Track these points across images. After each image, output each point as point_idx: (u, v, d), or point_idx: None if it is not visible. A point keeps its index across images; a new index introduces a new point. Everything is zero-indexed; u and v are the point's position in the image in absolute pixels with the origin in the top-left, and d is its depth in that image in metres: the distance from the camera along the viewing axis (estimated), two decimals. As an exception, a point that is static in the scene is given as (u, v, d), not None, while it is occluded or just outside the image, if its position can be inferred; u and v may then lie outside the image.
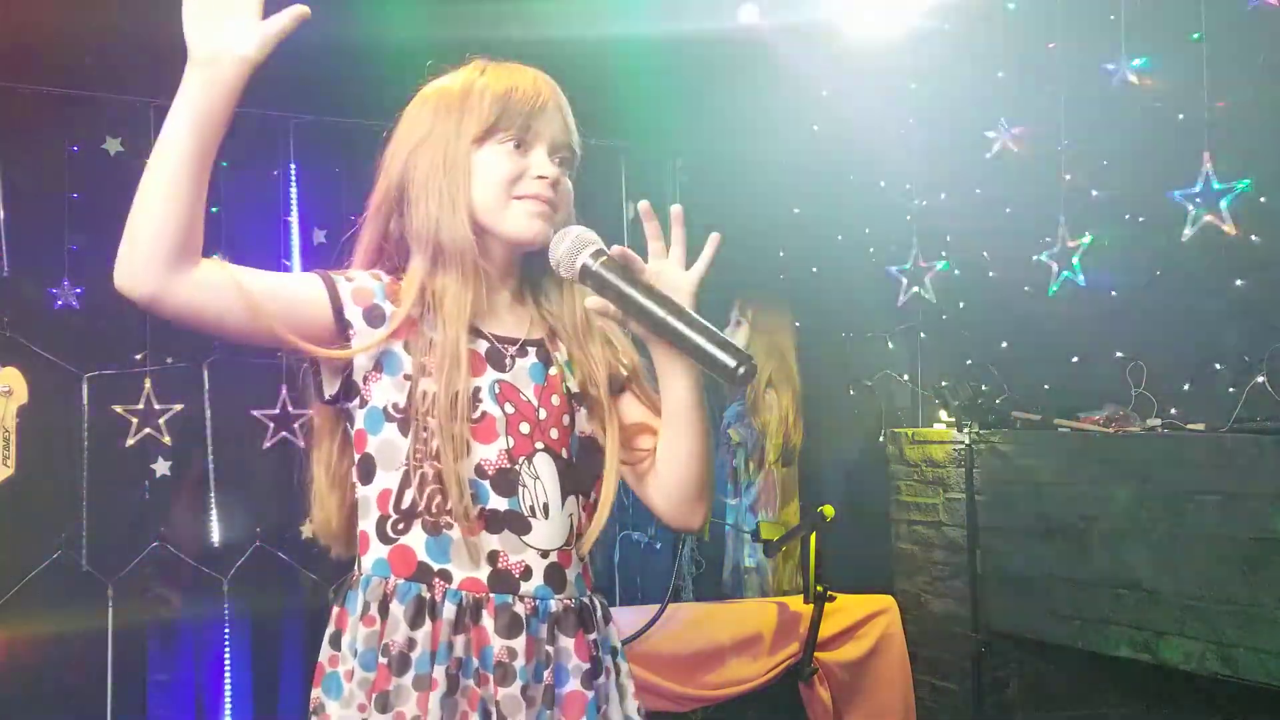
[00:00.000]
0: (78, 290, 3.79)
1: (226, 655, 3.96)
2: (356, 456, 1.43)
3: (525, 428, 1.42)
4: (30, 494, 3.63)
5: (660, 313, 1.32)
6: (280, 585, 4.07)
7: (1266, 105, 2.88)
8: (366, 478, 1.42)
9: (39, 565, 3.70)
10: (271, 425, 4.04)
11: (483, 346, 1.43)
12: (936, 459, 3.60)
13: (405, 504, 1.39)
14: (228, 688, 3.96)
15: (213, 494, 3.97)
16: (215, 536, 3.96)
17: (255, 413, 4.03)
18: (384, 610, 1.37)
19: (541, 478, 1.42)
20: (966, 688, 3.41)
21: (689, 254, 1.42)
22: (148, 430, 3.87)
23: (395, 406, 1.39)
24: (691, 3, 4.01)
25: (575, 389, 1.47)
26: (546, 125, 1.43)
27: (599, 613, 1.48)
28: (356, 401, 1.41)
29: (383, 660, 1.36)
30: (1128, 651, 2.96)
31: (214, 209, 4.01)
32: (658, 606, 3.39)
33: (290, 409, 4.06)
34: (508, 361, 1.44)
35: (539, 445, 1.43)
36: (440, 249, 1.40)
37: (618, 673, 1.49)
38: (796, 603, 3.50)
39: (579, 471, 1.46)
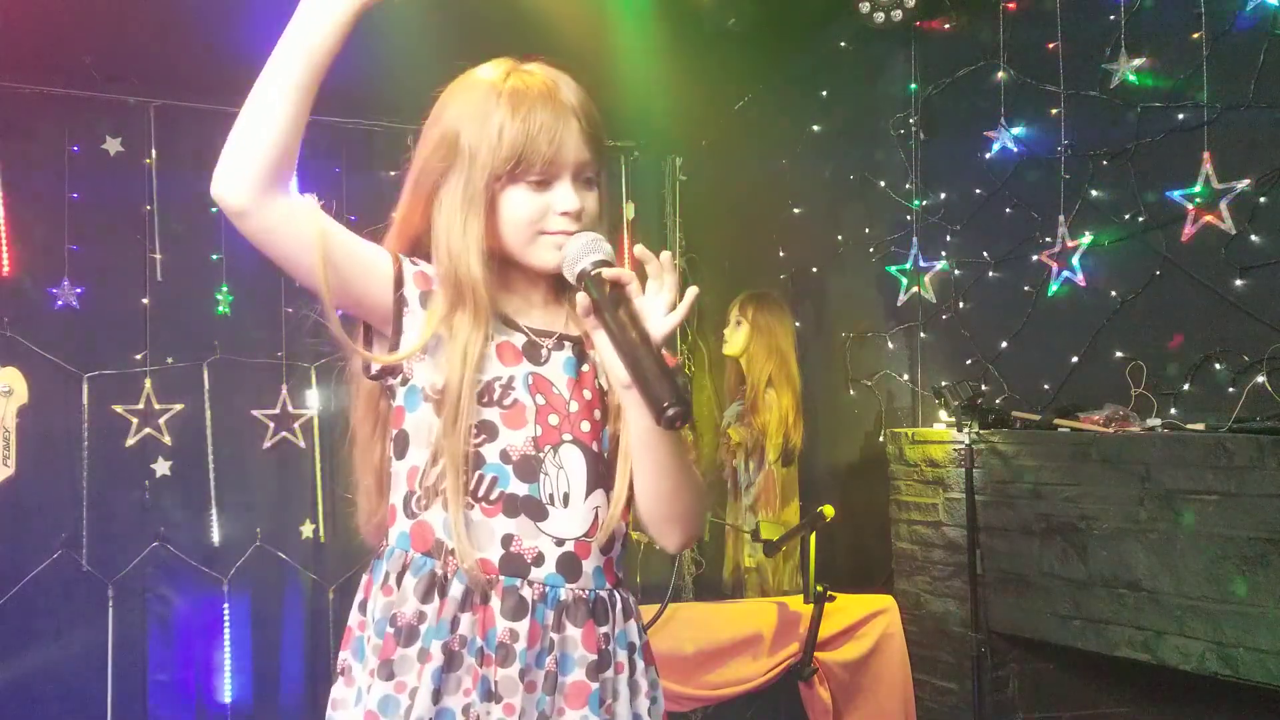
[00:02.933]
0: (78, 290, 3.80)
1: (227, 655, 3.96)
2: (393, 432, 1.47)
3: (554, 419, 1.45)
4: (30, 494, 3.63)
5: (628, 333, 1.34)
6: (280, 585, 4.08)
7: (1266, 105, 2.88)
8: (400, 453, 1.46)
9: (39, 565, 3.70)
10: (271, 425, 4.04)
11: (519, 340, 1.47)
12: (936, 459, 3.60)
13: (429, 481, 1.43)
14: (228, 688, 3.96)
15: (213, 494, 3.97)
16: (215, 536, 3.96)
17: (255, 413, 4.03)
18: (399, 581, 1.42)
19: (566, 468, 1.45)
20: (966, 688, 3.40)
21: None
22: (148, 430, 3.87)
23: (433, 388, 1.43)
24: (692, 4, 4.01)
25: (606, 385, 1.50)
26: (569, 154, 1.43)
27: (619, 607, 1.49)
28: (399, 379, 1.46)
29: (390, 630, 1.40)
30: (1128, 651, 2.95)
31: (214, 209, 4.03)
32: (658, 606, 3.39)
33: (290, 409, 4.06)
34: (543, 354, 1.47)
35: (567, 437, 1.46)
36: (458, 285, 1.42)
37: (632, 669, 1.49)
38: (796, 603, 3.49)
39: (608, 466, 1.49)
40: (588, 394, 1.49)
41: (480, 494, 1.42)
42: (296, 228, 1.34)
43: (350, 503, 1.58)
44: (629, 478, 1.48)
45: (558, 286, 1.52)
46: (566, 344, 1.49)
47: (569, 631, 1.43)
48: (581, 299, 1.38)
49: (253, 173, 1.30)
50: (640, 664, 1.51)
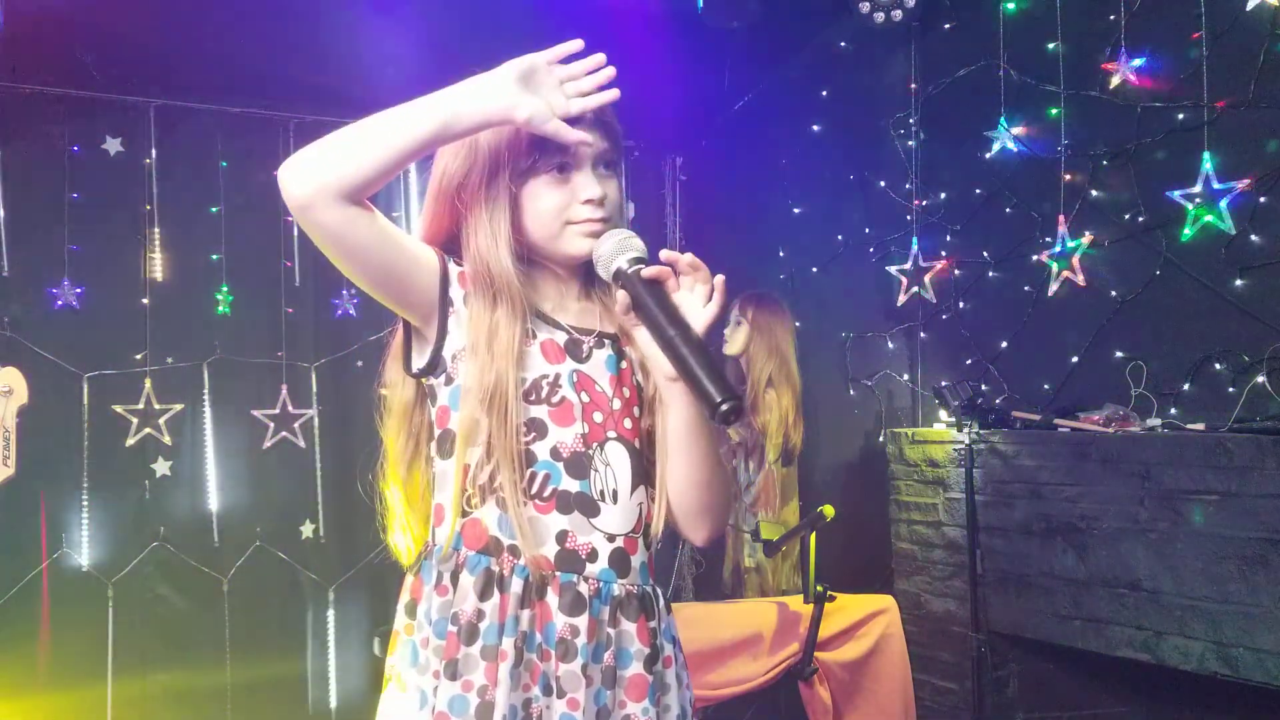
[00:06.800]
0: (78, 290, 3.80)
1: (226, 655, 3.96)
2: (437, 431, 1.48)
3: (599, 416, 1.48)
4: (30, 494, 3.63)
5: (669, 330, 1.37)
6: (280, 585, 4.08)
7: (1266, 105, 2.88)
8: (447, 452, 1.47)
9: (39, 565, 3.70)
10: (271, 425, 4.04)
11: (561, 338, 1.49)
12: (936, 459, 3.60)
13: (482, 479, 1.43)
14: (227, 687, 3.96)
15: (213, 494, 3.97)
16: (215, 536, 3.96)
17: (255, 413, 4.03)
18: (455, 581, 1.43)
19: (612, 465, 1.47)
20: (966, 688, 3.41)
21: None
22: (148, 430, 3.87)
23: (479, 386, 1.43)
24: (692, 4, 4.01)
25: (642, 382, 1.53)
26: (587, 144, 1.45)
27: (660, 602, 1.52)
28: (443, 378, 1.47)
29: (452, 629, 1.42)
30: (1128, 651, 2.96)
31: (214, 209, 4.04)
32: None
33: (290, 409, 4.06)
34: (584, 352, 1.49)
35: (611, 434, 1.48)
36: (491, 282, 1.44)
37: (675, 662, 1.53)
38: (796, 603, 3.49)
39: (648, 462, 1.52)
40: (627, 391, 1.51)
41: (533, 491, 1.44)
42: (360, 226, 1.35)
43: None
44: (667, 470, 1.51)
45: (589, 285, 1.54)
46: (606, 341, 1.51)
47: (624, 626, 1.46)
48: (622, 297, 1.40)
49: (331, 185, 1.30)
50: (681, 657, 1.56)
